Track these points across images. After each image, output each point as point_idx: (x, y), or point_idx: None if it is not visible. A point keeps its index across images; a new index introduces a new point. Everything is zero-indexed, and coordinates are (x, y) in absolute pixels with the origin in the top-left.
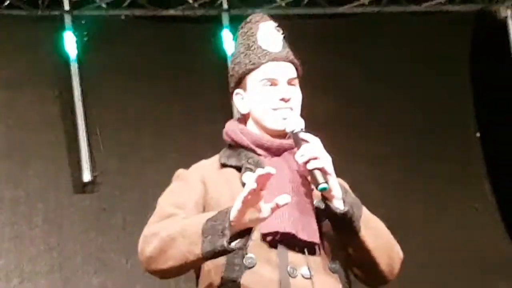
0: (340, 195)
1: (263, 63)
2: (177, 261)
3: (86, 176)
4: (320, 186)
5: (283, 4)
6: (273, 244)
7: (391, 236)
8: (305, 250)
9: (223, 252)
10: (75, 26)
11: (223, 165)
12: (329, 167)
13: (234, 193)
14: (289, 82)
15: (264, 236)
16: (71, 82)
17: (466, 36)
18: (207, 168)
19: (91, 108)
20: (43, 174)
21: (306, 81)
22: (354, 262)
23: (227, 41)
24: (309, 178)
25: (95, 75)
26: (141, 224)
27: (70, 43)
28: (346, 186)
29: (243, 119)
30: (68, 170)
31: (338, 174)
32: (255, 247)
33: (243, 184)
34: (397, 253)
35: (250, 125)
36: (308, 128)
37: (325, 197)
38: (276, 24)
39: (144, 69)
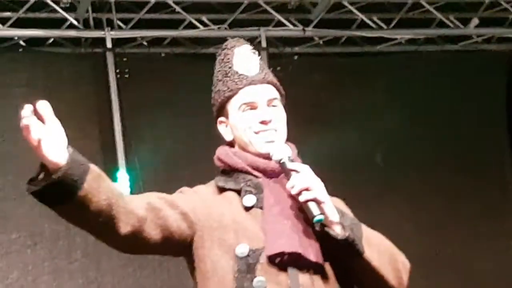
0: (337, 219)
1: (240, 88)
2: None
3: None
4: (316, 219)
5: (321, 42)
6: (281, 267)
7: (393, 248)
8: (315, 272)
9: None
10: (117, 63)
11: (222, 189)
12: (322, 195)
13: (235, 215)
14: (269, 104)
15: (271, 258)
16: (112, 119)
17: (502, 76)
18: (207, 191)
19: (131, 144)
20: None
21: (341, 117)
22: (362, 282)
23: None
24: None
25: (135, 111)
26: (178, 259)
27: (112, 80)
28: (342, 204)
29: (230, 146)
30: None
31: (374, 213)
32: (264, 270)
33: (245, 208)
34: (403, 263)
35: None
36: (344, 164)
37: (323, 224)
38: (251, 47)
39: (182, 106)
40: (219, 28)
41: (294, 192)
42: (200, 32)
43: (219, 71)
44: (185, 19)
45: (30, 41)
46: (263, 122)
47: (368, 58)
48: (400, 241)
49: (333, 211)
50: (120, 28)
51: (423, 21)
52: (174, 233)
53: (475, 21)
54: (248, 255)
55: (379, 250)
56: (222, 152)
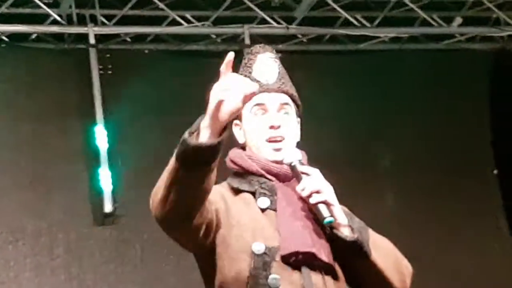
0: (346, 222)
1: (255, 95)
2: (165, 184)
3: (107, 208)
4: (326, 220)
5: (305, 40)
6: (295, 266)
7: (397, 252)
8: (327, 272)
9: (193, 149)
10: (100, 60)
11: (237, 191)
12: (332, 198)
13: (252, 215)
14: (279, 109)
15: (286, 258)
16: (95, 115)
17: (485, 74)
18: (223, 190)
19: (113, 140)
20: (65, 206)
21: (324, 115)
22: (368, 284)
23: None
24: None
25: (118, 107)
26: (159, 256)
27: (94, 76)
28: (347, 210)
29: (242, 148)
30: (89, 202)
31: (357, 211)
32: (279, 268)
33: (261, 210)
34: (406, 267)
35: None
36: (329, 164)
37: (333, 226)
38: (274, 55)
39: (166, 103)
40: (202, 25)
41: (304, 194)
42: (184, 29)
43: (240, 74)
44: (169, 16)
45: (13, 36)
46: (272, 127)
47: (351, 56)
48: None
49: (341, 214)
50: (103, 24)
51: (406, 19)
52: (206, 229)
53: (459, 20)
54: (265, 253)
55: (385, 253)
56: (236, 154)
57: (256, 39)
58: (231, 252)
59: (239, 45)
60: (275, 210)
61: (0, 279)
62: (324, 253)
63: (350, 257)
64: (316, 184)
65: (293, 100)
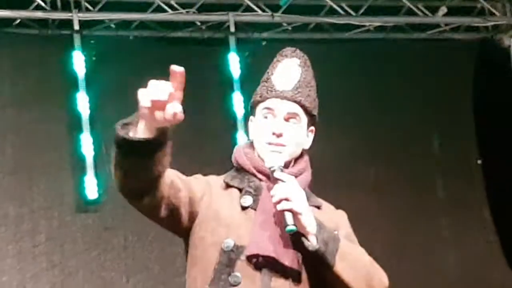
0: (314, 231)
1: (268, 98)
2: (112, 163)
3: (90, 195)
4: (287, 228)
5: (290, 28)
6: (258, 266)
7: (372, 266)
8: (289, 277)
9: (123, 140)
10: (84, 46)
11: (228, 185)
12: (299, 207)
13: (232, 211)
14: (287, 118)
15: (249, 258)
16: (78, 102)
17: (469, 64)
18: (217, 183)
19: (97, 127)
20: (48, 192)
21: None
22: None
23: (233, 63)
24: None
25: (102, 94)
26: (142, 243)
27: (78, 62)
28: (342, 218)
29: (251, 144)
30: (72, 189)
31: (339, 201)
32: (243, 267)
33: (242, 207)
34: (379, 281)
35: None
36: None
37: (301, 234)
38: (303, 62)
39: None
40: (187, 12)
41: (274, 200)
42: (169, 15)
43: (266, 73)
44: (154, 2)
45: None
46: (274, 133)
47: (336, 45)
48: (363, 228)
49: (310, 222)
50: (87, 10)
51: (391, 8)
52: (181, 216)
53: (443, 9)
54: (232, 250)
55: (353, 266)
56: (238, 150)
57: (241, 26)
58: (204, 244)
59: (223, 32)
60: (255, 209)
61: None
62: (288, 258)
63: (317, 265)
64: (286, 192)
65: (306, 111)
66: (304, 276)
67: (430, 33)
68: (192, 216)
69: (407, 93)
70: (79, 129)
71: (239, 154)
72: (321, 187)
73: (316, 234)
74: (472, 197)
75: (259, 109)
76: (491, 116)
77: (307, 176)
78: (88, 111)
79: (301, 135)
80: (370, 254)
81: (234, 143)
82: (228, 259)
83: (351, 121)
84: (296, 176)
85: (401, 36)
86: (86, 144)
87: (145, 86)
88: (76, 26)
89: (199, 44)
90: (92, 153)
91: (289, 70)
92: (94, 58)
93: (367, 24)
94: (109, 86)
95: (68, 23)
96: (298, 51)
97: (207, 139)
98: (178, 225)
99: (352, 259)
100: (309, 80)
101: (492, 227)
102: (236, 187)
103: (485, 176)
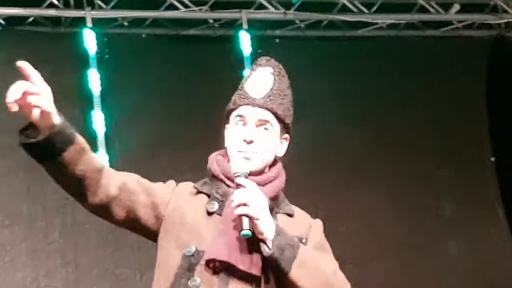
0: (271, 237)
1: (240, 105)
2: None
3: None
4: (242, 233)
5: (302, 25)
6: (216, 271)
7: (334, 277)
8: (247, 281)
9: (22, 145)
10: (97, 44)
11: (198, 191)
12: (257, 213)
13: (197, 216)
14: (258, 125)
15: (207, 263)
16: (92, 99)
17: (482, 62)
18: (187, 189)
19: (111, 125)
20: (61, 190)
21: (320, 101)
22: None
23: (246, 61)
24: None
25: (115, 92)
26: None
27: (91, 60)
28: (317, 227)
29: (226, 151)
30: None
31: (352, 197)
32: (202, 272)
33: (208, 213)
34: None
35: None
36: (330, 146)
37: (261, 239)
38: (276, 71)
39: (162, 87)
40: (200, 9)
41: (233, 205)
42: (181, 13)
43: (241, 82)
44: (166, 0)
45: (10, 19)
46: (245, 141)
47: (349, 42)
48: (376, 229)
49: (268, 228)
50: (100, 8)
51: (404, 6)
52: (140, 218)
53: (456, 7)
54: (192, 255)
55: (313, 274)
56: (211, 157)
57: (254, 24)
58: (168, 248)
59: (236, 30)
60: (221, 215)
61: None
62: (246, 263)
63: (275, 270)
64: (244, 197)
65: (279, 118)
66: (264, 281)
67: (443, 31)
68: (158, 220)
69: (419, 90)
70: (93, 127)
71: (211, 161)
72: (335, 184)
73: (272, 239)
74: (486, 195)
75: (232, 116)
76: (505, 114)
77: (278, 183)
78: (101, 107)
79: (272, 142)
80: (384, 251)
81: None
82: (189, 263)
83: (362, 118)
84: (263, 184)
85: (413, 33)
86: (100, 140)
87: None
88: (89, 24)
89: (211, 41)
90: (104, 147)
91: (262, 79)
92: (106, 56)
93: (380, 21)
94: (121, 82)
95: (81, 20)
96: (272, 60)
97: (219, 136)
98: (143, 229)
99: (312, 267)
100: (282, 88)
101: (506, 225)
102: (205, 193)
103: (498, 174)
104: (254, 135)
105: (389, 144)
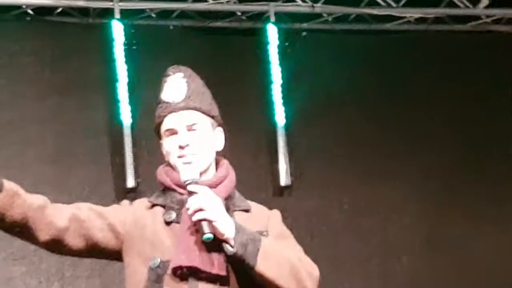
0: (232, 235)
1: (165, 116)
2: None
3: (130, 183)
4: (204, 236)
5: (330, 19)
6: (184, 277)
7: (299, 261)
8: (216, 282)
9: None
10: (125, 35)
11: (152, 204)
12: (213, 216)
13: (156, 228)
14: (189, 129)
15: (173, 271)
16: (118, 89)
17: (511, 56)
18: (141, 205)
19: (137, 114)
20: (87, 180)
21: (348, 94)
22: None
23: (273, 54)
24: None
25: (142, 82)
26: None
27: (119, 51)
28: (275, 217)
29: (169, 164)
30: (111, 177)
31: (377, 192)
32: (170, 281)
33: (166, 223)
34: (307, 273)
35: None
36: (349, 142)
37: (222, 240)
38: (184, 74)
39: None
40: (228, 2)
41: (189, 212)
42: (209, 5)
43: (157, 98)
44: None
45: (38, 10)
46: (180, 147)
47: (376, 36)
48: (401, 222)
49: (228, 228)
50: None
51: (432, 0)
52: (100, 242)
53: (485, 1)
54: (158, 266)
55: (278, 263)
56: (159, 170)
57: (281, 17)
58: (134, 264)
59: (263, 23)
60: (179, 223)
61: (20, 254)
62: (212, 265)
63: (242, 268)
64: (199, 203)
65: (205, 114)
66: (233, 279)
67: (472, 25)
68: (118, 239)
69: (447, 85)
70: (119, 116)
71: (160, 173)
72: (363, 177)
73: (234, 237)
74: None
75: (162, 132)
76: None
77: (229, 182)
78: (128, 97)
79: (208, 139)
80: (409, 247)
81: (273, 130)
82: (156, 275)
83: (388, 113)
84: (215, 186)
85: (442, 28)
86: (126, 130)
87: None
88: (117, 15)
89: (239, 34)
90: (130, 135)
91: (175, 85)
92: (134, 47)
93: (407, 15)
94: (148, 74)
95: (109, 11)
96: (180, 66)
97: (247, 129)
98: (105, 251)
99: (276, 257)
100: (198, 87)
101: None
102: (160, 205)
103: None
104: (187, 139)
105: (412, 138)
